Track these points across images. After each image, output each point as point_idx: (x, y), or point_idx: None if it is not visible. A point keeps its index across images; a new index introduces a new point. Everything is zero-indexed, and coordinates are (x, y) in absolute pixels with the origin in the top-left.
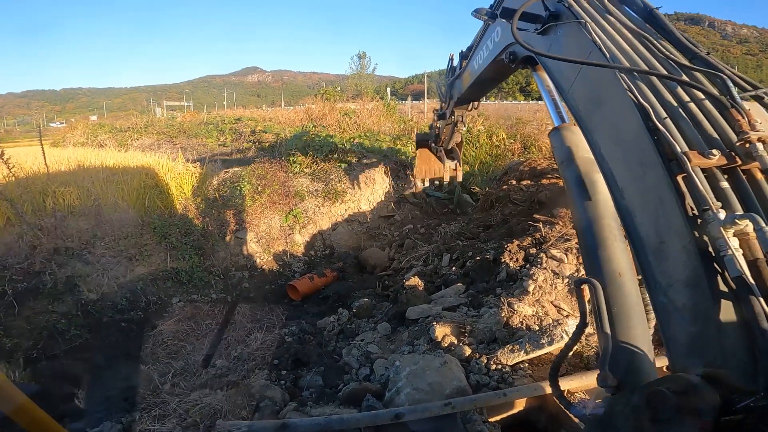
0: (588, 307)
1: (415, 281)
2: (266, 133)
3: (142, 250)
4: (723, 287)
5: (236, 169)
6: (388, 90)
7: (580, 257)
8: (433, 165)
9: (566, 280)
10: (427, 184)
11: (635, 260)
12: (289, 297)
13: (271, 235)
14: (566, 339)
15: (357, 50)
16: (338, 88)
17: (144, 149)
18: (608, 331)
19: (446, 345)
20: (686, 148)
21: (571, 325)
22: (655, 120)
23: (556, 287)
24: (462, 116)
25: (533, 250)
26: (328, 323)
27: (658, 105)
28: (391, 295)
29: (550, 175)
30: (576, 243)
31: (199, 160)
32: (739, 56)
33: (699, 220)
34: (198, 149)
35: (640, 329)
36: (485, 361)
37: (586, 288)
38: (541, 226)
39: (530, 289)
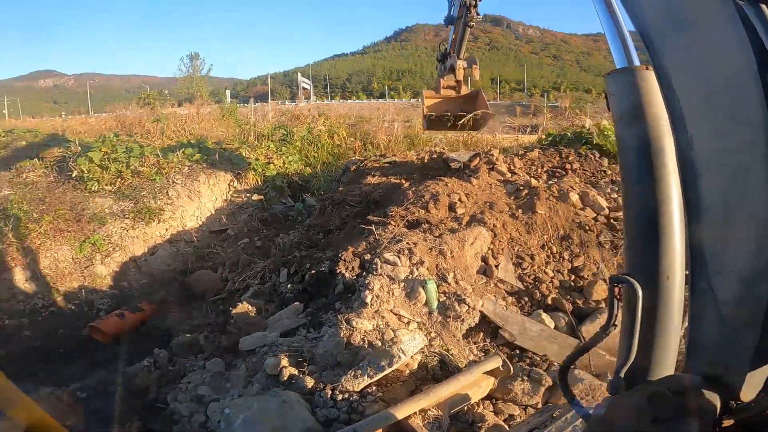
0: (617, 309)
1: (244, 307)
2: (51, 146)
3: None
4: None
5: (6, 192)
6: (228, 92)
7: (413, 258)
8: (440, 103)
9: (402, 284)
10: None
11: (686, 224)
12: (96, 341)
13: (60, 269)
14: (405, 358)
15: (189, 51)
16: (165, 92)
17: None
18: (636, 339)
19: (286, 378)
20: None
21: (406, 341)
22: None
23: (393, 294)
24: None
25: (368, 256)
26: (141, 368)
27: None
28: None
29: (376, 173)
30: (408, 243)
31: None
32: (527, 55)
33: None
34: None
35: (673, 341)
36: (330, 391)
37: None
38: (374, 228)
39: (368, 300)
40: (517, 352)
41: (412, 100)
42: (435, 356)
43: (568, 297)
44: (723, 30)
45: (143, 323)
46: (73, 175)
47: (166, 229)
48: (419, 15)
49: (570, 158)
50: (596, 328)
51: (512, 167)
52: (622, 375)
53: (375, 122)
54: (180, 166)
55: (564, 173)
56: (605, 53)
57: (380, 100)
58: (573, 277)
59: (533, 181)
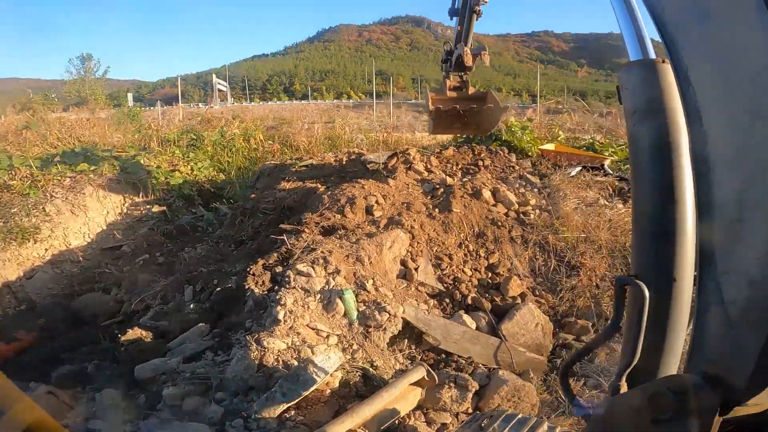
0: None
1: (136, 333)
2: None
3: None
4: None
5: None
6: (130, 95)
7: (328, 267)
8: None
9: (318, 296)
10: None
11: (697, 221)
12: None
13: None
14: (320, 380)
15: (81, 52)
16: (53, 96)
17: None
18: (641, 341)
19: (191, 408)
20: None
21: (320, 361)
22: None
23: (309, 307)
24: None
25: (279, 269)
26: None
27: None
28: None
29: (291, 178)
30: (323, 251)
31: None
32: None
33: None
34: None
35: (679, 343)
36: (243, 420)
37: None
38: (285, 237)
39: (281, 316)
40: (443, 356)
41: (335, 100)
42: (357, 371)
43: (487, 295)
44: (747, 21)
45: (19, 354)
46: None
47: (46, 250)
48: (343, 16)
49: (482, 155)
50: (514, 327)
51: (429, 166)
52: (624, 377)
53: (295, 124)
54: (60, 178)
55: (477, 170)
56: (513, 53)
57: (303, 101)
58: (490, 274)
59: (449, 180)
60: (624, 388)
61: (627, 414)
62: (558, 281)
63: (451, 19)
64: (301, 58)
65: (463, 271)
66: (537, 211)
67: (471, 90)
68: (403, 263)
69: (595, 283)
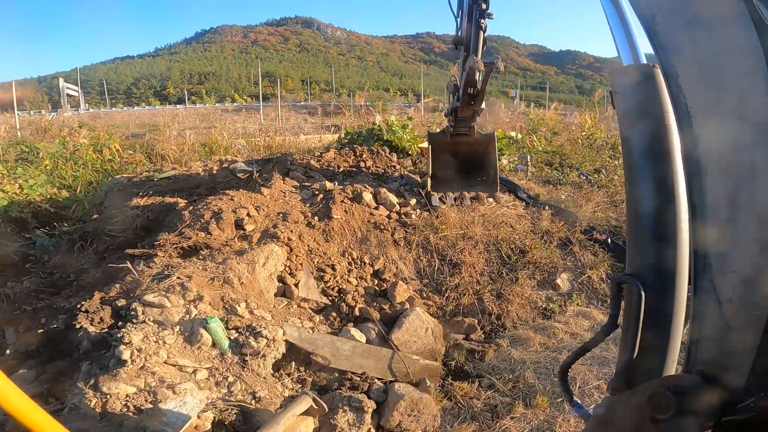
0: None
1: None
2: None
3: None
4: None
5: None
6: None
7: (187, 294)
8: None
9: (178, 329)
10: (436, 202)
11: (690, 222)
12: None
13: None
14: (191, 420)
15: None
16: None
17: None
18: (638, 339)
19: None
20: None
21: (174, 407)
22: None
23: (165, 342)
24: None
25: (122, 302)
26: None
27: None
28: None
29: (148, 193)
30: (179, 277)
31: None
32: (335, 56)
33: None
34: None
35: (676, 341)
36: None
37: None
38: (130, 264)
39: (126, 356)
40: (336, 374)
41: (217, 104)
42: (233, 408)
43: (375, 304)
44: (732, 27)
45: None
46: None
47: None
48: (226, 17)
49: (364, 156)
50: (405, 335)
51: (309, 171)
52: (622, 375)
53: (165, 130)
54: None
55: (359, 172)
56: (399, 54)
57: (178, 105)
58: (376, 281)
59: (328, 184)
60: (623, 386)
61: (627, 414)
62: (442, 281)
63: (456, 48)
64: (176, 60)
65: (348, 281)
66: (417, 210)
67: (476, 134)
68: (281, 279)
69: (476, 279)
